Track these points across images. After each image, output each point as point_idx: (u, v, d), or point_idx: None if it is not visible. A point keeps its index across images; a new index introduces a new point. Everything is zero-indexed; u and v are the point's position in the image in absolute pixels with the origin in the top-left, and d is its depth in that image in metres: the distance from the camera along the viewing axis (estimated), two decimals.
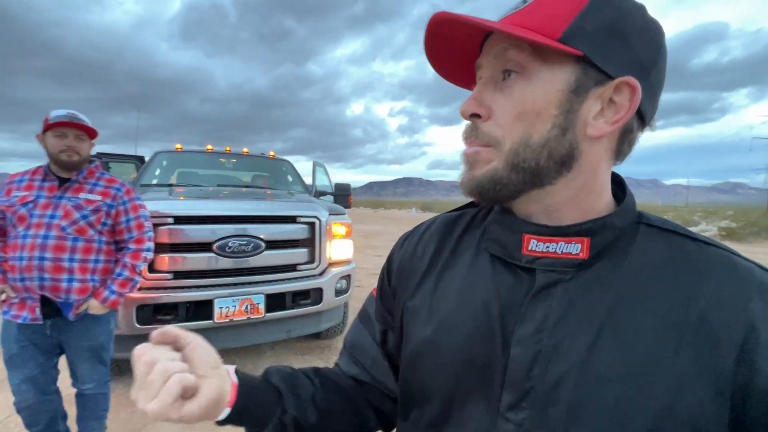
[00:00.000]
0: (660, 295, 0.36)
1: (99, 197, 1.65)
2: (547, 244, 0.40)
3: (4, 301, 1.57)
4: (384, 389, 0.55)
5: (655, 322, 0.35)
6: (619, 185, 0.44)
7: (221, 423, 0.43)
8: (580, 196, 0.40)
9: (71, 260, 1.57)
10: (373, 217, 25.19)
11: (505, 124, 0.38)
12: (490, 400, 0.39)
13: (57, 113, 1.59)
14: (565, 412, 0.35)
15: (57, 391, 1.69)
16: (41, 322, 1.55)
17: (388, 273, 0.55)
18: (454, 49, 0.42)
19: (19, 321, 1.53)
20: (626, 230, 0.40)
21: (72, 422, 1.85)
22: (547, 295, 0.39)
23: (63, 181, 1.63)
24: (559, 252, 0.39)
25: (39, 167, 1.65)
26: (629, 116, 0.36)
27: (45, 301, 1.56)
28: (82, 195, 1.62)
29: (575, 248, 0.39)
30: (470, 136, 0.41)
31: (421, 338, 0.45)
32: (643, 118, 0.39)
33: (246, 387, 0.44)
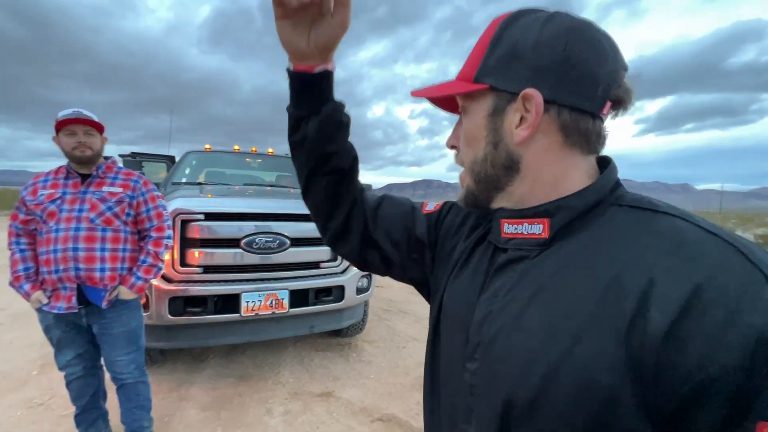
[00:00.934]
0: (595, 263, 0.39)
1: (120, 189, 1.74)
2: (516, 225, 0.47)
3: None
4: (367, 227, 0.65)
5: (581, 285, 0.39)
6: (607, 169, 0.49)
7: (305, 77, 0.56)
8: (535, 187, 0.46)
9: (103, 249, 1.66)
10: None
11: (463, 150, 0.51)
12: (463, 353, 0.48)
13: (63, 113, 1.66)
14: (496, 360, 0.43)
15: (101, 367, 1.82)
16: (76, 311, 1.64)
17: (445, 216, 0.64)
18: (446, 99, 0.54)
19: (55, 311, 1.63)
20: (591, 210, 0.43)
21: (117, 420, 1.95)
22: (509, 269, 0.46)
23: (84, 178, 1.72)
24: (525, 233, 0.46)
25: (61, 167, 1.73)
26: (538, 119, 0.42)
27: (79, 292, 1.65)
28: (105, 188, 1.72)
29: (538, 228, 0.45)
30: (457, 161, 0.54)
31: (445, 301, 0.55)
32: (579, 108, 0.42)
33: (319, 77, 0.57)
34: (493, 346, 0.44)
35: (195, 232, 2.43)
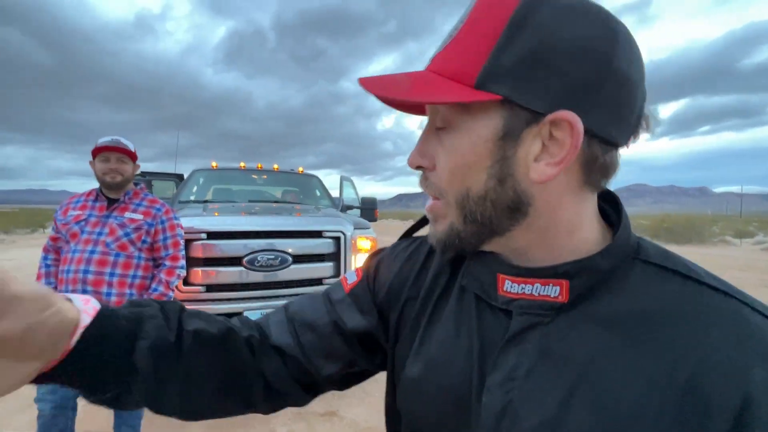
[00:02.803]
0: (646, 349, 0.31)
1: (141, 216, 1.79)
2: (522, 285, 0.37)
3: None
4: (306, 369, 0.48)
5: (637, 381, 0.30)
6: (614, 207, 0.40)
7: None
8: (546, 238, 0.36)
9: (112, 274, 1.69)
10: (402, 229, 25.15)
11: (445, 177, 0.37)
12: None
13: (102, 140, 1.77)
14: None
15: (73, 408, 1.75)
16: None
17: (374, 279, 0.51)
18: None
19: None
20: (617, 268, 0.35)
21: (111, 427, 1.96)
22: (522, 340, 0.36)
23: (111, 202, 1.79)
24: (536, 294, 0.36)
25: (93, 190, 1.83)
26: (573, 154, 0.31)
27: None
28: (127, 214, 1.78)
29: (553, 291, 0.35)
30: (423, 185, 0.40)
31: (410, 377, 0.43)
32: (609, 141, 0.33)
33: (82, 355, 0.34)
34: None
35: (198, 251, 2.45)
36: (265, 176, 4.48)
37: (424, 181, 0.40)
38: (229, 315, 2.11)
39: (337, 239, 2.85)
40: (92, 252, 1.66)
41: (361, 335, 0.49)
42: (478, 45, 0.32)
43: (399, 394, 0.46)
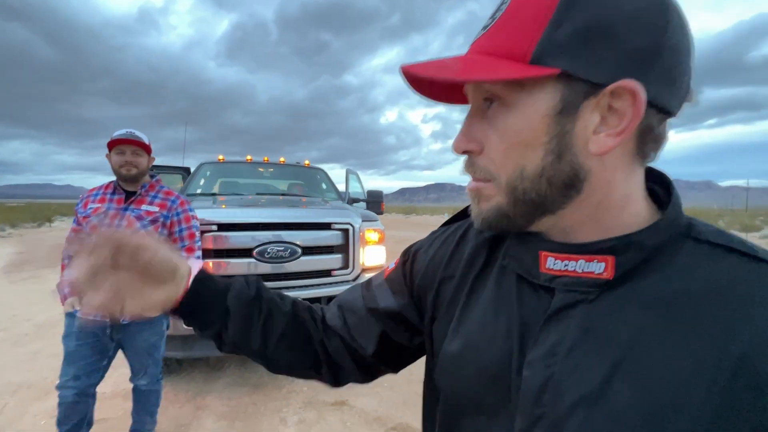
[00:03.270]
0: (695, 327, 0.31)
1: (157, 209, 1.81)
2: (566, 262, 0.37)
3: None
4: (355, 348, 0.54)
5: (685, 360, 0.30)
6: (664, 187, 0.39)
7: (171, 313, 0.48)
8: (597, 214, 0.36)
9: None
10: (405, 223, 25.19)
11: (496, 159, 0.36)
12: (507, 423, 0.38)
13: (117, 133, 1.78)
14: None
15: (93, 395, 1.80)
16: (99, 321, 1.70)
17: (412, 262, 0.54)
18: (437, 84, 0.41)
19: (91, 317, 1.68)
20: (666, 246, 0.35)
21: (128, 414, 2.00)
22: (564, 317, 0.36)
23: (129, 194, 1.81)
24: (580, 271, 0.36)
25: (110, 182, 1.84)
26: (635, 123, 0.32)
27: None
28: (143, 207, 1.80)
29: (598, 267, 0.35)
30: (469, 171, 0.40)
31: (448, 353, 0.44)
32: (665, 109, 0.33)
33: (194, 296, 0.48)
34: (567, 426, 0.33)
35: (209, 242, 2.47)
36: (272, 169, 4.49)
37: (470, 166, 0.39)
38: None
39: (345, 231, 2.86)
40: None
41: (393, 314, 0.53)
42: (531, 22, 0.32)
43: (437, 370, 0.47)
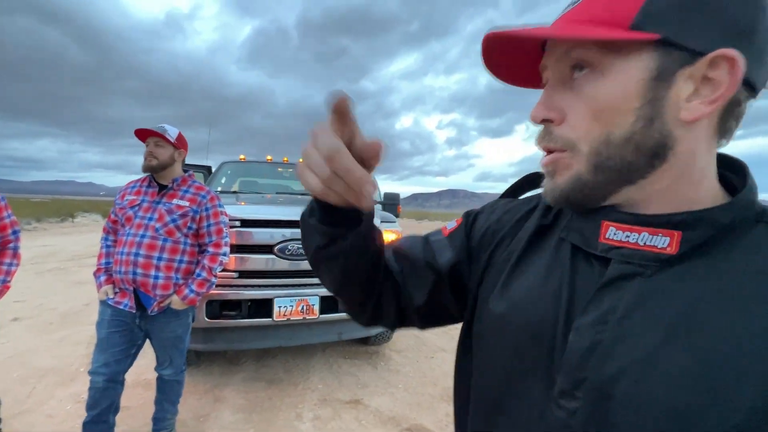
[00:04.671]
0: (760, 304, 0.30)
1: (187, 203, 1.85)
2: (628, 233, 0.36)
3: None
4: (404, 295, 0.54)
5: (752, 328, 0.30)
6: (737, 172, 0.38)
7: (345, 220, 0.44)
8: (676, 186, 0.35)
9: (159, 258, 1.76)
10: (418, 229, 25.13)
11: (580, 125, 0.36)
12: (547, 384, 0.38)
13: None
14: (624, 407, 0.32)
15: (122, 382, 1.84)
16: (135, 311, 1.75)
17: (473, 222, 0.54)
18: (514, 57, 0.41)
19: (120, 307, 1.75)
20: (735, 227, 0.34)
21: (148, 403, 2.05)
22: (618, 288, 0.35)
23: (162, 188, 1.86)
24: (641, 243, 0.35)
25: (147, 176, 1.90)
26: (731, 92, 0.31)
27: (135, 295, 1.76)
28: (175, 201, 1.84)
29: (662, 241, 0.34)
30: (544, 141, 0.39)
31: (493, 312, 0.45)
32: (753, 86, 0.33)
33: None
34: (613, 390, 0.33)
35: (232, 237, 2.52)
36: (291, 169, 4.56)
37: (547, 135, 0.39)
38: (259, 301, 2.15)
39: None
40: (143, 236, 1.74)
41: (450, 270, 0.52)
42: None
43: (478, 329, 0.47)
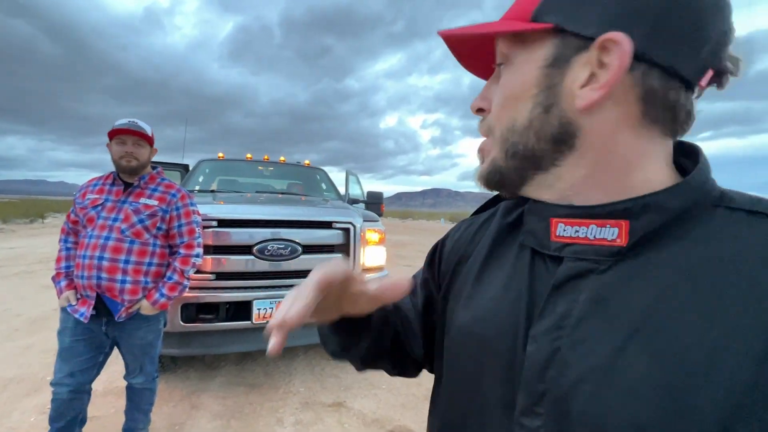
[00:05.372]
0: (726, 293, 0.28)
1: (156, 202, 1.74)
2: (576, 228, 0.35)
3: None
4: (410, 352, 0.54)
5: (713, 327, 0.27)
6: (691, 156, 0.37)
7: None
8: (598, 174, 0.34)
9: (126, 262, 1.65)
10: (402, 228, 25.18)
11: (495, 113, 0.38)
12: (508, 403, 0.36)
13: (119, 122, 1.72)
14: (579, 424, 0.30)
15: (88, 392, 1.74)
16: (88, 321, 1.63)
17: (440, 249, 0.54)
18: (477, 53, 0.42)
19: (77, 315, 1.63)
20: (691, 213, 0.32)
21: (120, 412, 1.95)
22: (573, 288, 0.34)
23: (128, 186, 1.74)
24: (591, 237, 0.34)
25: (110, 173, 1.77)
26: (619, 75, 0.30)
27: (100, 301, 1.65)
28: (142, 200, 1.72)
29: (611, 233, 0.33)
30: (480, 129, 0.42)
31: (458, 324, 0.43)
32: (673, 72, 0.31)
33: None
34: (572, 403, 0.31)
35: (209, 238, 2.43)
36: (272, 168, 4.47)
37: (480, 123, 0.42)
38: (238, 304, 2.09)
39: (346, 230, 2.83)
40: (107, 238, 1.63)
41: (424, 308, 0.54)
42: None
43: (446, 342, 0.46)
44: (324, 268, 0.37)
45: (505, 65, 0.37)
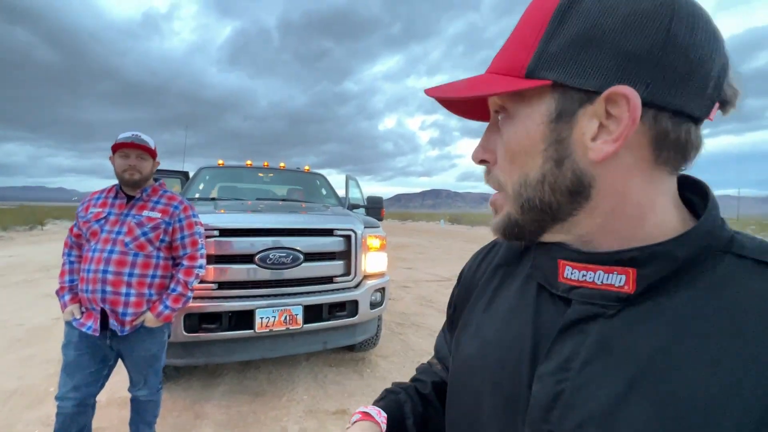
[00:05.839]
0: (733, 344, 0.28)
1: (159, 215, 1.75)
2: (584, 272, 0.35)
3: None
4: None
5: (718, 378, 0.27)
6: (700, 194, 0.37)
7: None
8: (612, 223, 0.34)
9: (130, 275, 1.66)
10: (402, 229, 25.17)
11: (504, 168, 0.38)
12: None
13: (122, 135, 1.72)
14: None
15: (93, 405, 1.73)
16: (98, 334, 1.64)
17: (458, 282, 0.56)
18: (468, 101, 0.43)
19: (84, 329, 1.64)
20: (700, 261, 0.32)
21: (124, 423, 1.95)
22: (580, 330, 0.34)
23: (130, 199, 1.75)
24: (599, 282, 0.34)
25: (113, 186, 1.78)
26: (631, 128, 0.30)
27: (104, 314, 1.65)
28: (145, 212, 1.73)
29: (618, 280, 0.33)
30: (487, 180, 0.42)
31: (465, 354, 0.44)
32: (681, 112, 0.31)
33: None
34: None
35: (210, 248, 2.44)
36: (272, 174, 4.47)
37: (487, 175, 0.41)
38: (240, 313, 2.09)
39: (348, 237, 2.84)
40: (111, 252, 1.64)
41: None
42: (528, 38, 0.34)
43: (452, 368, 0.47)
44: None
45: (505, 118, 0.37)
